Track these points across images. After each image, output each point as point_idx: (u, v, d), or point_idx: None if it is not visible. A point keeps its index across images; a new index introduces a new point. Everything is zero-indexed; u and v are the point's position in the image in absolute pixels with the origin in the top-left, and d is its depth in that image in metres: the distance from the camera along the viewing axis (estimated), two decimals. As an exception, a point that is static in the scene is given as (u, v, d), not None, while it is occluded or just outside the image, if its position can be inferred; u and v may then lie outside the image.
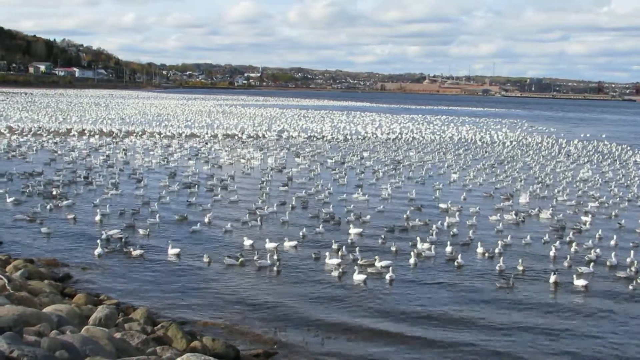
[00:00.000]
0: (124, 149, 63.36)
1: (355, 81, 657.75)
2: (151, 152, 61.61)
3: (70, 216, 33.70)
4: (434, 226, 33.05)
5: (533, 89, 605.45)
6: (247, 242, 29.34)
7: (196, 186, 43.89)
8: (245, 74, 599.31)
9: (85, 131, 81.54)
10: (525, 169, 59.27)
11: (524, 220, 36.65)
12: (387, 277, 25.04)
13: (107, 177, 46.06)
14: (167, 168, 52.59)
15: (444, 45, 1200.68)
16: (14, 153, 58.84)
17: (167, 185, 43.37)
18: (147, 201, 38.21)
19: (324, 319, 20.67)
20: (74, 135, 76.66)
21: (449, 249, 29.09)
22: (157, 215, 33.84)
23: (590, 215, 37.57)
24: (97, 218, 33.22)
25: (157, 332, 16.67)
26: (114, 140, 72.00)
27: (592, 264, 27.09)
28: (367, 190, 44.18)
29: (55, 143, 67.32)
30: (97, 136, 76.26)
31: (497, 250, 29.02)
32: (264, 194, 41.48)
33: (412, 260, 27.34)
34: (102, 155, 58.49)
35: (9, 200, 37.24)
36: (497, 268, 26.71)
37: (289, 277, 25.17)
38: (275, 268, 25.71)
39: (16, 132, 77.73)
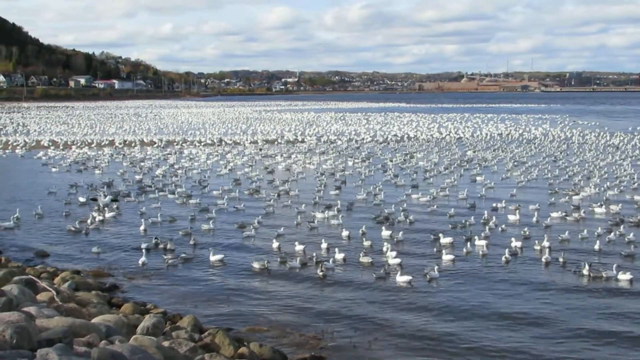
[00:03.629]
0: (189, 158, 64.27)
1: (393, 82, 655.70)
2: (208, 161, 61.95)
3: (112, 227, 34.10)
4: (491, 223, 33.09)
5: (573, 83, 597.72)
6: (299, 247, 29.08)
7: (258, 192, 44.24)
8: (283, 80, 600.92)
9: (127, 141, 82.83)
10: (578, 164, 58.43)
11: (582, 217, 35.87)
12: (428, 276, 24.87)
13: (171, 186, 46.77)
14: (220, 175, 53.07)
15: (481, 43, 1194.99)
16: (84, 166, 59.90)
17: (223, 192, 43.51)
18: (206, 207, 38.68)
19: (370, 322, 20.51)
20: (122, 146, 77.76)
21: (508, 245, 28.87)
22: (212, 222, 34.12)
23: None
24: (142, 228, 33.55)
25: (205, 339, 16.69)
26: (175, 150, 72.77)
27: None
28: (424, 191, 43.98)
29: (123, 155, 68.34)
30: (149, 147, 77.26)
31: (545, 244, 28.69)
32: (318, 197, 41.46)
33: (454, 259, 27.31)
34: (166, 165, 59.31)
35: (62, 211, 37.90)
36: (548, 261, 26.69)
37: (333, 279, 25.05)
38: (319, 271, 25.61)
39: (74, 145, 79.09)
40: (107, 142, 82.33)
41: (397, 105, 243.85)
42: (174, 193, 43.25)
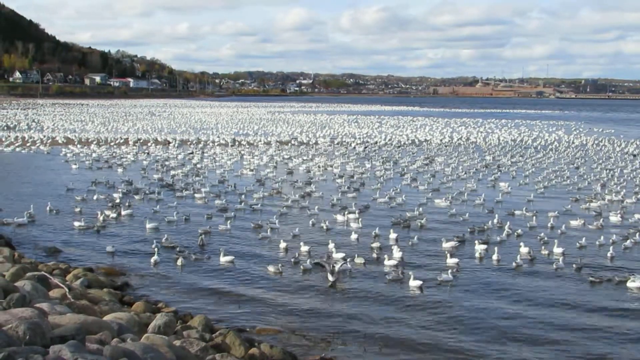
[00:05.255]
0: (213, 158, 64.42)
1: (408, 86, 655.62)
2: (229, 161, 61.93)
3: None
4: (506, 228, 33.01)
5: (588, 90, 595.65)
6: (304, 248, 29.14)
7: (280, 193, 44.34)
8: (297, 81, 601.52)
9: (142, 140, 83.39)
10: (595, 172, 58.37)
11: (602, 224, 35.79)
12: (439, 279, 24.86)
13: (195, 185, 47.14)
14: (237, 176, 53.00)
15: (497, 48, 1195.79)
16: (107, 164, 60.34)
17: (247, 193, 43.85)
18: (225, 207, 38.82)
19: (381, 325, 20.47)
20: (138, 144, 78.13)
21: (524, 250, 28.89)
22: (229, 222, 34.19)
23: None
24: (148, 226, 33.56)
25: (216, 339, 16.69)
26: (198, 150, 73.01)
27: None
28: (443, 195, 44.08)
29: (147, 153, 68.67)
30: (163, 145, 77.65)
31: (555, 250, 28.66)
32: (336, 199, 41.41)
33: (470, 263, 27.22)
34: (188, 164, 59.63)
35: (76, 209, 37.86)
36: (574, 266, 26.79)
37: (345, 282, 24.99)
38: (330, 275, 25.50)
39: (92, 143, 79.60)
40: (121, 141, 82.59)
41: (411, 109, 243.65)
42: (197, 192, 43.51)
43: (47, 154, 70.13)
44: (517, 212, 38.32)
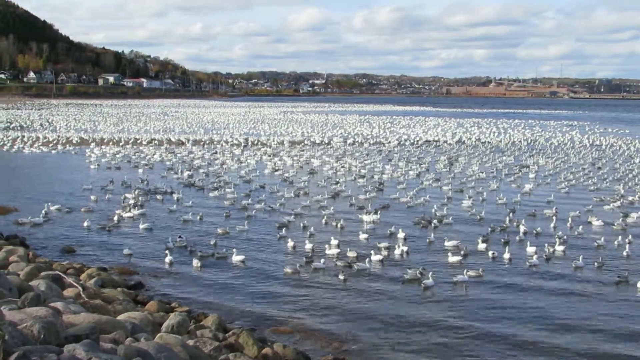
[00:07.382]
0: (237, 158, 64.33)
1: (420, 86, 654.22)
2: (251, 161, 61.86)
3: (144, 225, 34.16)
4: (522, 228, 32.91)
5: (602, 90, 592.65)
6: (309, 246, 29.35)
7: (307, 193, 44.43)
8: (310, 81, 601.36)
9: (155, 140, 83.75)
10: (613, 172, 58.23)
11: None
12: (455, 279, 24.83)
13: (219, 183, 47.68)
14: (256, 176, 52.90)
15: (511, 48, 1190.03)
16: (130, 164, 60.72)
17: (275, 192, 44.06)
18: (245, 206, 38.98)
19: (394, 325, 20.45)
20: (147, 145, 78.42)
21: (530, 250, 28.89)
22: (247, 222, 34.23)
23: None
24: (142, 226, 33.67)
25: (229, 339, 16.71)
26: (222, 150, 73.30)
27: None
28: (465, 195, 44.15)
29: (172, 153, 69.00)
30: (179, 146, 77.86)
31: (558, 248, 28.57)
32: (354, 199, 41.48)
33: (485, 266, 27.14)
34: (209, 164, 59.99)
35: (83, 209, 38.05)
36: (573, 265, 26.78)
37: (358, 281, 24.96)
38: (342, 274, 25.52)
39: (110, 142, 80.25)
40: (137, 141, 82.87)
41: (424, 109, 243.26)
42: (226, 192, 43.73)
43: (75, 154, 70.49)
44: (546, 211, 38.26)
